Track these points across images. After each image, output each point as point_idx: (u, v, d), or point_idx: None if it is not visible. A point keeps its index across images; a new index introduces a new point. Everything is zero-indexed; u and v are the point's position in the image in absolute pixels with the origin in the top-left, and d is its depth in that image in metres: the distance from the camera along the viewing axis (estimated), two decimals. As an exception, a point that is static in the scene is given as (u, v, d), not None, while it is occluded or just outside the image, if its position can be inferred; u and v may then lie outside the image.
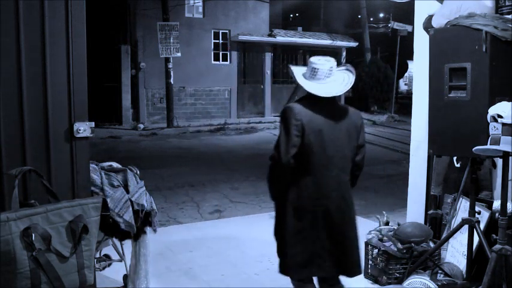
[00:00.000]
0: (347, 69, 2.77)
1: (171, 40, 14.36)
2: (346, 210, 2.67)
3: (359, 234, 2.77)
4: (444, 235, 3.61)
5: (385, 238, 3.70)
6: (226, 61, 17.34)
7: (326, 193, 2.60)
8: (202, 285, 3.75)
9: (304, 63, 18.38)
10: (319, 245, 2.61)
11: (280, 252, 2.71)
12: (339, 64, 2.80)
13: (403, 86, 25.63)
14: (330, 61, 2.67)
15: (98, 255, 3.37)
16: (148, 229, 3.10)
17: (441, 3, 3.53)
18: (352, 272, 2.72)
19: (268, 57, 18.01)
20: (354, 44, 19.77)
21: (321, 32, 20.70)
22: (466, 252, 3.32)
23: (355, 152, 2.72)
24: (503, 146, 2.64)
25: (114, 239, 3.16)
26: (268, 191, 2.77)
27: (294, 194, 2.61)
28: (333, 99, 2.67)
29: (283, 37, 17.84)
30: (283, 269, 2.69)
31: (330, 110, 2.64)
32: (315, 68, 2.63)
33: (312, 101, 2.63)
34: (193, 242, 4.71)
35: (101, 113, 14.31)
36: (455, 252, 3.63)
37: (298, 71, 2.73)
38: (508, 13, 3.24)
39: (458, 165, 3.83)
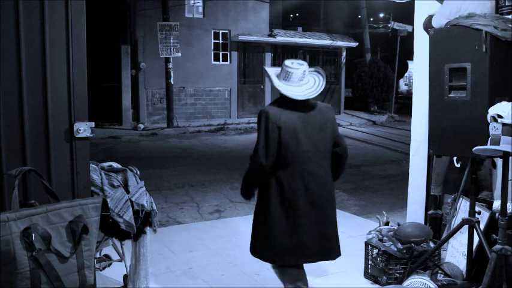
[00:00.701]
0: (317, 71, 2.96)
1: (171, 40, 14.35)
2: (327, 199, 2.85)
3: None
4: (444, 235, 3.61)
5: (385, 238, 3.70)
6: (226, 61, 17.32)
7: (305, 185, 2.78)
8: (202, 285, 3.75)
9: (304, 63, 18.05)
10: (304, 233, 2.78)
11: (266, 241, 2.83)
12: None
13: (403, 86, 25.62)
14: (304, 65, 2.84)
15: (98, 255, 3.37)
16: (148, 229, 3.10)
17: (441, 3, 3.53)
18: (334, 256, 2.93)
19: (268, 57, 18.00)
20: (354, 44, 19.75)
21: (321, 32, 20.68)
22: (466, 252, 3.32)
23: (331, 144, 2.89)
24: (503, 146, 2.64)
25: (114, 239, 3.16)
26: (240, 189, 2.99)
27: (275, 188, 2.78)
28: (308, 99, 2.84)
29: (283, 37, 17.82)
30: (271, 258, 2.86)
31: (302, 109, 2.82)
32: (289, 72, 2.80)
33: (285, 101, 2.80)
34: (193, 242, 4.71)
35: (101, 113, 14.31)
36: (455, 252, 3.63)
37: (272, 72, 2.89)
38: (508, 13, 3.25)
39: (458, 165, 3.83)
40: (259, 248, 2.87)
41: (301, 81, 2.82)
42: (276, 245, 2.78)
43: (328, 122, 2.87)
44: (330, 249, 2.88)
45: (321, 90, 2.86)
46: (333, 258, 2.93)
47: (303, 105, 2.82)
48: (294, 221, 2.76)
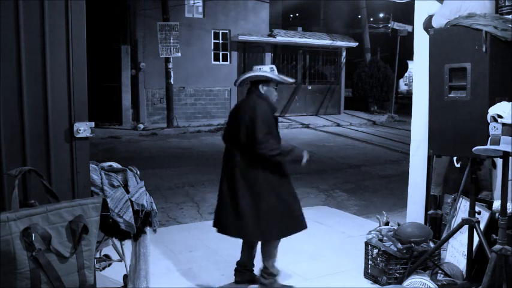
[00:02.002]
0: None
1: (171, 40, 14.35)
2: (243, 186, 3.33)
3: (266, 208, 3.35)
4: (444, 235, 3.62)
5: (385, 238, 3.69)
6: (226, 61, 17.33)
7: (228, 169, 3.45)
8: (202, 285, 3.75)
9: (304, 63, 18.15)
10: (220, 207, 3.47)
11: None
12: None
13: (403, 86, 25.62)
14: (267, 67, 3.44)
15: (98, 255, 3.37)
16: (148, 229, 3.10)
17: (441, 3, 3.53)
18: (244, 236, 3.44)
19: (268, 57, 18.00)
20: (354, 44, 19.75)
21: (321, 32, 20.68)
22: (466, 252, 3.32)
23: (249, 138, 3.32)
24: (503, 146, 2.64)
25: (114, 239, 3.16)
26: None
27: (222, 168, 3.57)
28: (251, 95, 3.43)
29: (283, 37, 17.83)
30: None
31: (241, 104, 3.49)
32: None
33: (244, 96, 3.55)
34: (193, 242, 4.71)
35: (100, 113, 14.31)
36: (455, 252, 3.63)
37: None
38: (508, 13, 3.25)
39: (458, 165, 3.83)
40: None
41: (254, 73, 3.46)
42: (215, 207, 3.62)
43: (248, 118, 3.30)
44: (239, 227, 3.35)
45: (246, 76, 3.45)
46: (241, 237, 3.49)
47: (246, 101, 3.43)
48: (220, 195, 3.51)
